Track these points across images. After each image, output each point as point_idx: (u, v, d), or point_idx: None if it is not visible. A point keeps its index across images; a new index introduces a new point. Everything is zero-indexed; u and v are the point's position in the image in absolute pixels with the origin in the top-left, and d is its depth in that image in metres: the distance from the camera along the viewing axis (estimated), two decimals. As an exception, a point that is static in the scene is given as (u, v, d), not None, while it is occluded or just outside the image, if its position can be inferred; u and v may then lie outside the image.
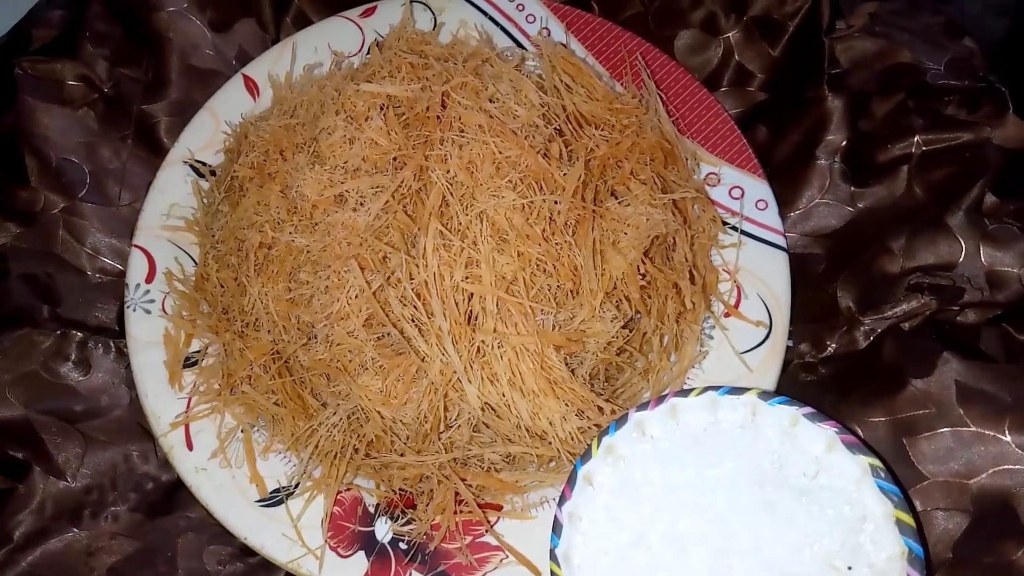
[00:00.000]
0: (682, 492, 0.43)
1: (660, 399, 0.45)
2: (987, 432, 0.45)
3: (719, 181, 0.58)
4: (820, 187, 0.57)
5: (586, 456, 0.44)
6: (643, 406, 0.45)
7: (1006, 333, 0.48)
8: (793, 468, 0.44)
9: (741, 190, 0.57)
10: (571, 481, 0.43)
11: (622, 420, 0.45)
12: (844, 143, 0.57)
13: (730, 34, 0.62)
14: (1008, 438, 0.45)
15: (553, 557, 0.41)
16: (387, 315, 0.47)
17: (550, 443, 0.48)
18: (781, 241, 0.55)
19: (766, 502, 0.43)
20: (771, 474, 0.44)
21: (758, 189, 0.57)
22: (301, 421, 0.50)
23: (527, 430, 0.47)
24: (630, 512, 0.43)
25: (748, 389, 0.45)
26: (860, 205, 0.56)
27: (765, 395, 0.45)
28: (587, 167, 0.51)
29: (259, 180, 0.53)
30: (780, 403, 0.44)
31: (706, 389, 0.45)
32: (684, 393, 0.45)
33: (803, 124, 0.59)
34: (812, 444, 0.44)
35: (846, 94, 0.57)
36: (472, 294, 0.47)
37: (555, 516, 0.43)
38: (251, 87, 0.61)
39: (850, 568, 0.40)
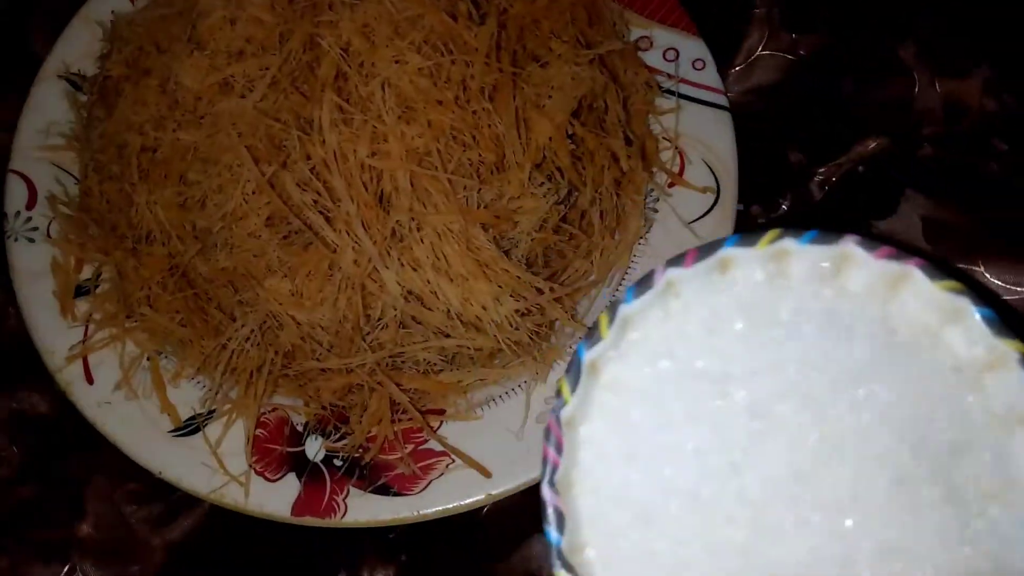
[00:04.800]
0: (738, 376, 0.28)
1: (704, 249, 0.28)
2: (960, 267, 0.42)
3: (652, 45, 0.53)
4: (759, 39, 0.53)
5: (592, 337, 0.28)
6: (675, 260, 0.28)
7: (968, 164, 0.44)
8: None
9: (676, 52, 0.52)
10: (572, 373, 0.28)
11: (644, 282, 0.28)
12: (782, -11, 0.53)
13: None
14: (981, 268, 0.41)
15: (561, 559, 0.26)
16: (288, 206, 0.42)
17: (486, 332, 0.43)
18: (723, 101, 0.51)
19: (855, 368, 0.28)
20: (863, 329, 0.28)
21: (694, 48, 0.52)
22: (210, 339, 0.45)
23: (459, 319, 0.43)
24: (657, 413, 0.28)
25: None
26: (802, 52, 0.51)
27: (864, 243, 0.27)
28: (502, 29, 0.45)
29: (135, 77, 0.47)
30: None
31: (781, 235, 0.28)
32: (745, 241, 0.28)
33: (738, -25, 0.54)
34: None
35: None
36: (382, 173, 0.42)
37: (545, 496, 0.26)
38: (129, -10, 0.55)
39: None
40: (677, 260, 0.28)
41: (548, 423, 0.27)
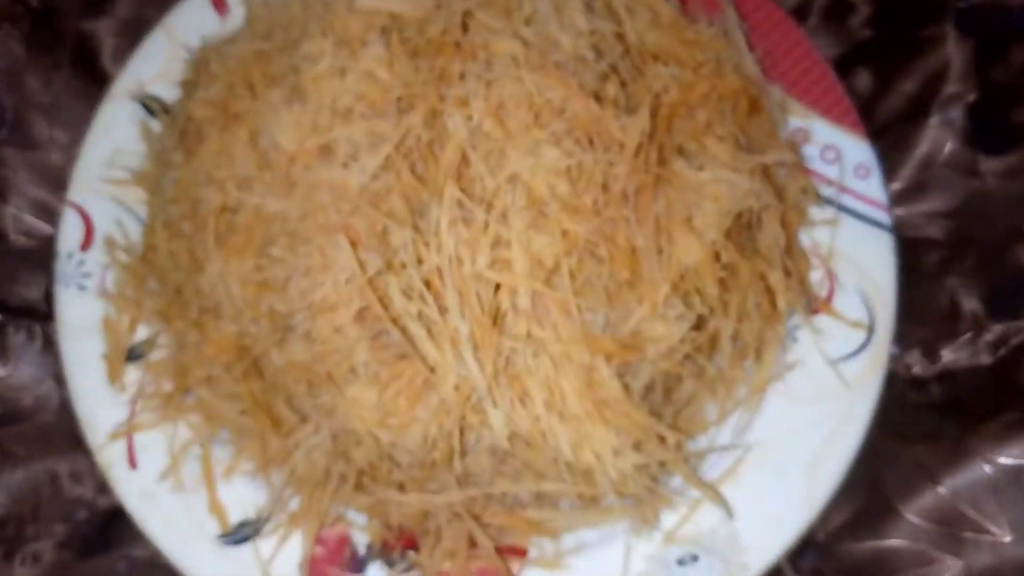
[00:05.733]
0: None
1: None
2: None
3: (809, 139, 0.46)
4: (937, 151, 0.46)
5: None
6: None
7: None
8: None
9: (836, 152, 0.45)
10: None
11: None
12: (971, 97, 0.45)
13: (826, -49, 0.50)
14: None
15: None
16: (386, 309, 0.36)
17: (596, 482, 0.37)
18: (886, 219, 0.44)
19: None
20: None
21: (858, 151, 0.45)
22: (274, 437, 0.39)
23: (567, 465, 0.36)
24: None
25: None
26: (989, 177, 0.44)
27: None
28: (652, 117, 0.39)
29: (221, 122, 0.40)
30: None
31: None
32: None
33: (917, 71, 0.47)
34: None
35: (976, 35, 0.45)
36: (499, 285, 0.36)
37: None
38: (218, 3, 0.48)
39: None
40: None
41: None
